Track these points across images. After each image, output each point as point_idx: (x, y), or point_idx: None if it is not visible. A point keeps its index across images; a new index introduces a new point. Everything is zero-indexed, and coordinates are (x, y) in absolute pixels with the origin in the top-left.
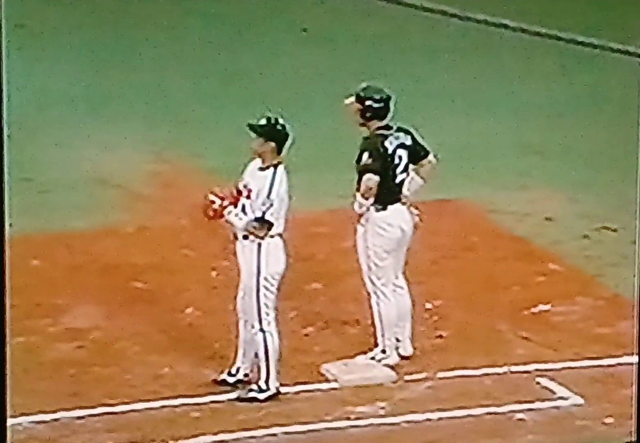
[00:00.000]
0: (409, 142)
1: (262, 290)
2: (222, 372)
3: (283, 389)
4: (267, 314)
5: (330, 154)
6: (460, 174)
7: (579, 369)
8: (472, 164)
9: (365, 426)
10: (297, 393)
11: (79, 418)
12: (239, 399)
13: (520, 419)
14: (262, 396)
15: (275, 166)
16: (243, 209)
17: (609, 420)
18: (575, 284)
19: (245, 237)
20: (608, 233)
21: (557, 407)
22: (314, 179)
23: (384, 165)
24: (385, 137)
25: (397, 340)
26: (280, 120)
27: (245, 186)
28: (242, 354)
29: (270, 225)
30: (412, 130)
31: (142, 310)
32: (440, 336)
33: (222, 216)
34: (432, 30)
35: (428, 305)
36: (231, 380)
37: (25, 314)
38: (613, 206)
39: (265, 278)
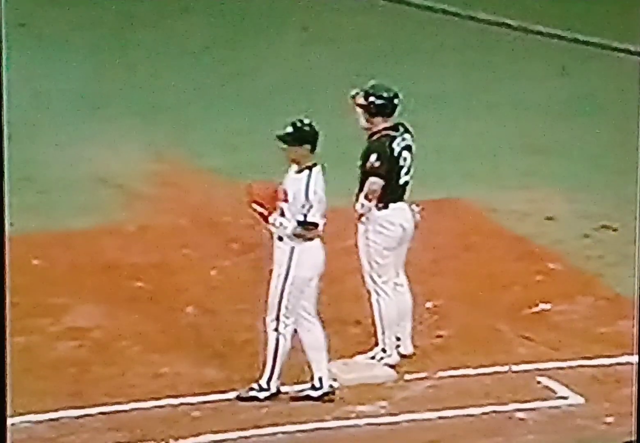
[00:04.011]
0: (413, 145)
1: (286, 293)
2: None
3: (283, 389)
4: (287, 317)
5: (331, 153)
6: (460, 174)
7: (579, 368)
8: (472, 163)
9: (366, 425)
10: (297, 392)
11: (79, 417)
12: (239, 398)
13: (520, 418)
14: (262, 395)
15: (310, 168)
16: (282, 213)
17: (609, 419)
18: (575, 284)
19: (280, 239)
20: (608, 233)
21: (557, 407)
22: None
23: (390, 167)
24: (393, 138)
25: (398, 339)
26: (306, 121)
27: (283, 190)
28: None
29: (315, 226)
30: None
31: (142, 309)
32: (441, 335)
33: (267, 222)
34: (433, 29)
35: (428, 305)
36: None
37: (26, 313)
38: (613, 205)
39: (292, 283)
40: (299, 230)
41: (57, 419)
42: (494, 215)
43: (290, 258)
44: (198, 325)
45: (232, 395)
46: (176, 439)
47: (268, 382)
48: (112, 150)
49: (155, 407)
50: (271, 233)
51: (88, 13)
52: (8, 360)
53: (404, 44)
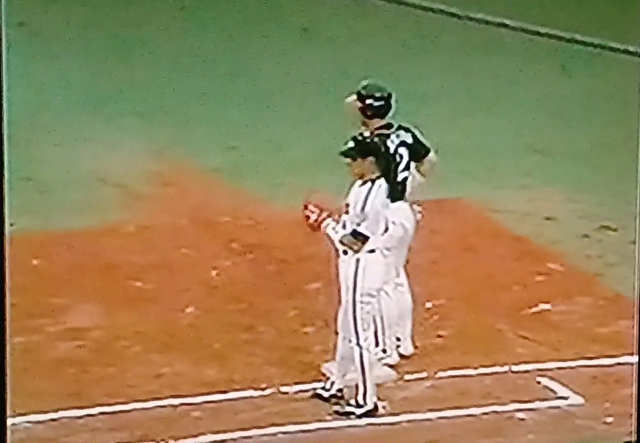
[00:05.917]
0: (410, 140)
1: (358, 305)
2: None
3: (283, 389)
4: (365, 330)
5: (330, 154)
6: (460, 174)
7: (579, 369)
8: (472, 163)
9: (365, 426)
10: (297, 393)
11: (79, 418)
12: (337, 413)
13: (520, 419)
14: (359, 411)
15: (373, 181)
16: (344, 225)
17: (609, 419)
18: (575, 284)
19: (345, 252)
20: (608, 233)
21: (557, 407)
22: (314, 178)
23: (386, 165)
24: (387, 136)
25: (398, 339)
26: (366, 134)
27: (347, 203)
28: (337, 370)
29: (365, 238)
30: (412, 128)
31: (142, 309)
32: (441, 335)
33: (319, 229)
34: (432, 29)
35: (428, 305)
36: (325, 394)
37: (26, 313)
38: (613, 206)
39: (362, 294)
40: (347, 238)
41: (57, 419)
42: (494, 215)
43: (357, 269)
44: (198, 325)
45: (232, 395)
46: (176, 439)
47: (364, 398)
48: (112, 150)
49: (156, 407)
50: (336, 250)
51: (88, 13)
52: (8, 360)
53: (404, 44)
